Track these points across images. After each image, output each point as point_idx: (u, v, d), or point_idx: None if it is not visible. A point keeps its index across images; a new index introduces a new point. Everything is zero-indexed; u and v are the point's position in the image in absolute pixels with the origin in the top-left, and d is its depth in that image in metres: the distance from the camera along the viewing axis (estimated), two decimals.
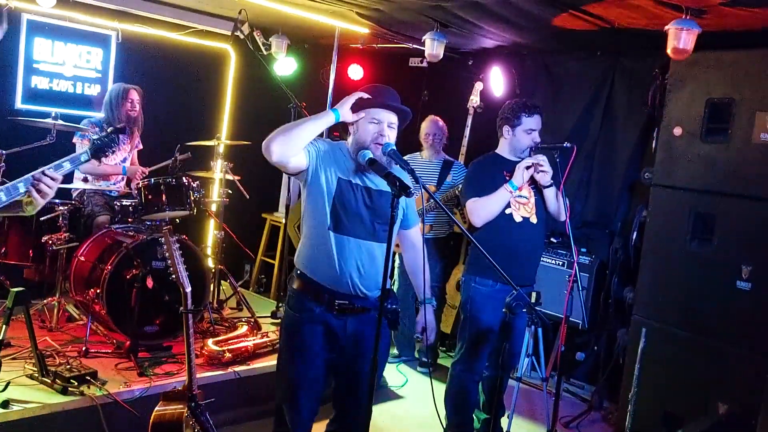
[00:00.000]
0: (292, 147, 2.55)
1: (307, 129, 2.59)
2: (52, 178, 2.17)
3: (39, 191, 2.14)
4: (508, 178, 3.51)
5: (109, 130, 2.47)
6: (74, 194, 4.59)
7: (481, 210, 3.50)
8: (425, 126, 5.08)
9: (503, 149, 3.66)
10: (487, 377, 3.75)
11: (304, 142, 2.58)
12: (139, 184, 4.34)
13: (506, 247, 3.42)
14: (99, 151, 2.39)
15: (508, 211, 3.52)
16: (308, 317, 2.67)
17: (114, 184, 4.80)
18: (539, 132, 3.58)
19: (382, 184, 2.69)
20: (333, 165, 2.69)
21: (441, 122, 5.07)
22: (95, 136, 2.41)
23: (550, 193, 3.58)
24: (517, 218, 3.54)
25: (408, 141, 5.12)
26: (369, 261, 2.66)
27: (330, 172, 2.67)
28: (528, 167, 3.48)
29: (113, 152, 2.45)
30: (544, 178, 3.52)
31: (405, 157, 5.04)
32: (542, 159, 3.50)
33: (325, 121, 2.65)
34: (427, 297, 2.89)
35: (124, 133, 2.42)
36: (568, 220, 3.60)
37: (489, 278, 3.54)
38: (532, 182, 3.57)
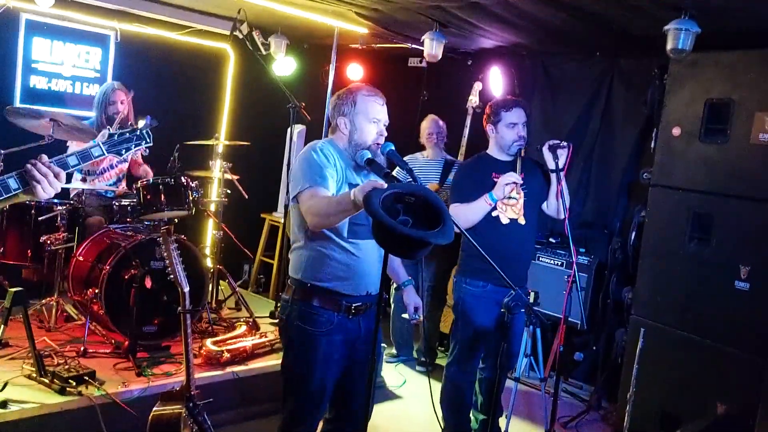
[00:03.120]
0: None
1: (342, 216, 2.49)
2: (51, 170, 1.97)
3: (35, 184, 1.95)
4: (496, 180, 3.49)
5: (128, 128, 2.26)
6: (72, 194, 4.58)
7: (460, 217, 3.44)
8: (427, 125, 5.10)
9: (492, 149, 3.66)
10: (485, 378, 3.75)
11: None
12: (138, 184, 4.34)
13: (493, 249, 3.37)
14: (117, 146, 2.18)
15: (494, 214, 3.49)
16: (326, 330, 2.61)
17: (111, 184, 4.79)
18: (524, 124, 3.57)
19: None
20: (343, 173, 2.63)
21: (441, 121, 5.10)
22: (112, 131, 2.21)
23: (553, 187, 3.56)
24: (504, 220, 3.53)
25: (407, 141, 5.14)
26: (380, 259, 2.62)
27: (344, 187, 2.60)
28: (509, 182, 3.46)
29: (130, 150, 2.22)
30: (561, 160, 3.48)
31: (405, 158, 5.10)
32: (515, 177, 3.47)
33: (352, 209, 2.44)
34: (405, 280, 2.95)
35: (143, 139, 2.17)
36: (567, 220, 3.60)
37: (480, 280, 3.53)
38: (523, 182, 3.54)
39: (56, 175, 1.97)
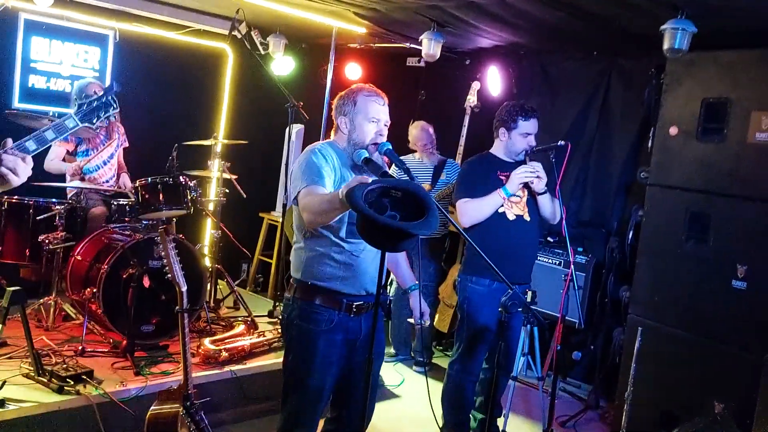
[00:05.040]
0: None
1: (333, 214, 2.49)
2: (17, 156, 1.93)
3: (6, 173, 1.90)
4: (502, 178, 3.52)
5: (99, 93, 2.21)
6: (71, 194, 4.58)
7: (471, 211, 3.50)
8: (418, 135, 5.08)
9: (498, 149, 3.66)
10: (484, 378, 3.75)
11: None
12: (136, 183, 4.34)
13: (501, 246, 3.42)
14: (88, 114, 2.14)
15: (501, 210, 3.52)
16: (326, 328, 2.62)
17: (106, 182, 4.80)
18: (535, 136, 3.59)
19: None
20: (341, 173, 2.63)
21: (431, 128, 5.11)
22: (81, 101, 2.16)
23: (544, 199, 3.59)
24: (511, 216, 3.54)
25: (405, 141, 5.14)
26: (378, 258, 2.63)
27: (341, 184, 2.57)
28: (526, 175, 3.48)
29: (105, 117, 2.19)
30: (539, 185, 3.53)
31: (401, 158, 5.11)
32: (538, 167, 3.50)
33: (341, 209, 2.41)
34: (411, 285, 2.93)
35: (110, 105, 2.12)
36: (564, 219, 3.61)
37: (486, 277, 3.53)
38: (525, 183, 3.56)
39: (23, 159, 1.94)
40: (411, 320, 3.00)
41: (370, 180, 2.26)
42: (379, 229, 2.15)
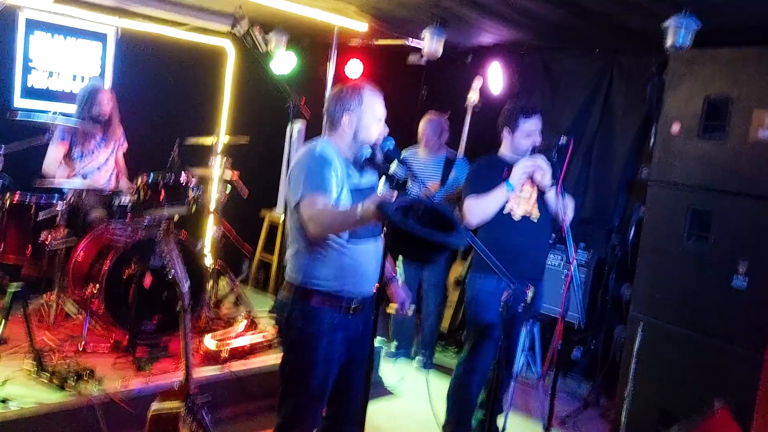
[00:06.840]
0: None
1: (347, 229, 2.53)
2: None
3: None
4: (506, 177, 3.52)
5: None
6: (71, 193, 4.56)
7: (477, 209, 3.51)
8: (421, 127, 4.97)
9: (504, 151, 3.67)
10: (488, 377, 3.75)
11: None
12: (138, 182, 4.34)
13: (506, 245, 3.43)
14: None
15: (506, 210, 3.52)
16: (328, 328, 2.61)
17: (106, 181, 4.80)
18: (540, 132, 3.59)
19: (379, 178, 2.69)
20: (344, 174, 2.61)
21: (436, 118, 4.98)
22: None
23: (551, 195, 3.58)
24: (516, 216, 3.54)
25: (406, 138, 5.13)
26: (379, 257, 2.58)
27: (344, 189, 2.59)
28: (527, 167, 3.49)
29: None
30: (545, 179, 3.52)
31: (404, 151, 5.10)
32: (539, 158, 3.51)
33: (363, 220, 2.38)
34: (391, 276, 2.96)
35: None
36: (565, 217, 3.61)
37: (493, 276, 3.53)
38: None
39: None
40: (391, 309, 2.99)
41: (394, 197, 2.26)
42: (418, 243, 2.18)
